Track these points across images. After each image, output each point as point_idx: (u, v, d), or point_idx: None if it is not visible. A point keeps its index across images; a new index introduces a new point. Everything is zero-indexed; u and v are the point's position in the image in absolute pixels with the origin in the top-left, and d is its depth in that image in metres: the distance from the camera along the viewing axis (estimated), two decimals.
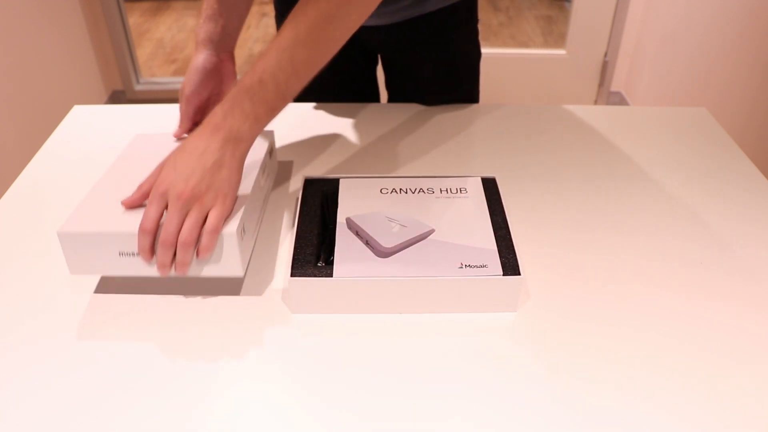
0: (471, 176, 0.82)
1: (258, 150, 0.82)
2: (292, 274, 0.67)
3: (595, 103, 2.71)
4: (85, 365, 0.63)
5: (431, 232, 0.72)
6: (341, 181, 0.81)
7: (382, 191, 0.79)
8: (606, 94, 2.67)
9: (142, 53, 3.15)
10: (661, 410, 0.59)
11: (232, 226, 0.66)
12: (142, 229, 0.64)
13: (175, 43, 3.26)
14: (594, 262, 0.76)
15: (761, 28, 1.66)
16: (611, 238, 0.79)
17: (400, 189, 0.79)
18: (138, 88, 2.73)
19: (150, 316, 0.68)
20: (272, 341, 0.66)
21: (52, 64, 2.23)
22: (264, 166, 0.80)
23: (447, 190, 0.79)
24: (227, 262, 0.68)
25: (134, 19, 3.50)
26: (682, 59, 2.12)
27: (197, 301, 0.70)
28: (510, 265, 0.68)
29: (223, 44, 0.87)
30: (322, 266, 0.68)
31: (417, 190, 0.79)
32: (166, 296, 0.71)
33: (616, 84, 2.66)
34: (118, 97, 2.72)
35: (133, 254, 0.66)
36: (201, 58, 0.85)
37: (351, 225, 0.73)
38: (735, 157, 0.96)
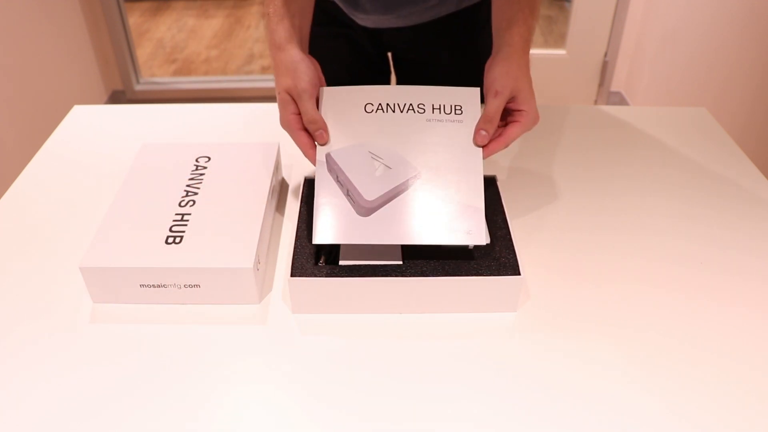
0: (468, 89, 0.74)
1: (265, 170, 0.81)
2: (292, 274, 0.67)
3: (595, 103, 2.71)
4: (86, 366, 0.63)
5: (416, 177, 0.68)
6: (324, 91, 0.73)
7: (368, 109, 0.72)
8: (606, 94, 2.67)
9: (142, 53, 3.15)
10: (662, 410, 0.59)
11: (248, 261, 0.67)
12: None
13: (175, 43, 3.26)
14: (594, 262, 0.76)
15: (761, 28, 1.66)
16: (611, 238, 0.79)
17: (388, 106, 0.72)
18: (138, 88, 2.73)
19: (151, 317, 0.68)
20: (272, 341, 0.66)
21: (52, 64, 2.23)
22: (272, 187, 0.80)
23: (440, 109, 0.71)
24: (244, 293, 0.69)
25: (134, 19, 3.50)
26: (682, 59, 2.12)
27: (197, 301, 0.70)
28: (510, 265, 0.68)
29: (303, 43, 0.79)
30: (323, 266, 0.68)
31: (406, 108, 0.71)
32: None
33: (616, 84, 2.66)
34: (118, 97, 2.72)
35: (154, 286, 0.68)
36: (295, 52, 0.76)
37: (331, 166, 0.68)
38: (735, 157, 0.96)
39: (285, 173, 0.92)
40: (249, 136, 1.00)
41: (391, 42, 1.05)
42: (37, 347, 0.65)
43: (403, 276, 0.66)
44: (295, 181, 0.90)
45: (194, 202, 0.75)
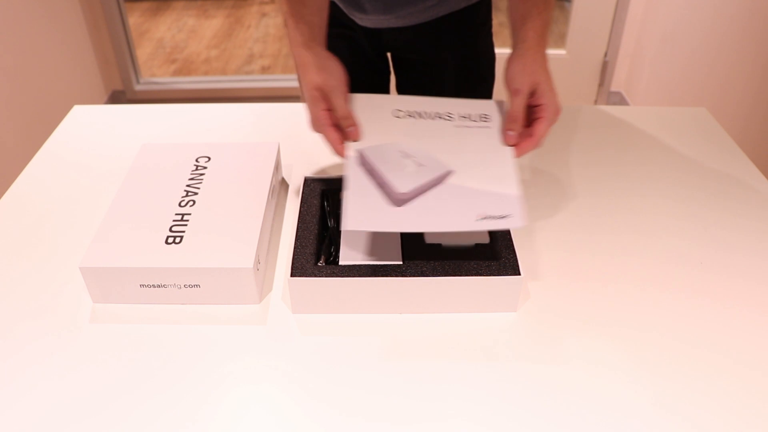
0: (494, 101, 0.74)
1: (265, 170, 0.81)
2: (292, 274, 0.67)
3: (595, 103, 2.71)
4: (86, 366, 0.63)
5: (449, 174, 0.67)
6: (353, 97, 0.73)
7: (396, 115, 0.72)
8: (606, 94, 2.67)
9: (142, 53, 3.15)
10: (662, 410, 0.59)
11: (248, 261, 0.67)
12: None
13: (175, 43, 3.26)
14: (594, 262, 0.76)
15: (761, 28, 1.66)
16: (611, 238, 0.79)
17: (416, 113, 0.72)
18: (138, 88, 2.73)
19: (151, 317, 0.68)
20: (272, 341, 0.66)
21: (52, 64, 2.23)
22: (272, 187, 0.80)
23: (467, 117, 0.72)
24: (244, 293, 0.69)
25: (134, 19, 3.50)
26: (682, 59, 2.12)
27: (197, 301, 0.70)
28: (510, 265, 0.68)
29: (324, 41, 0.79)
30: (323, 266, 0.68)
31: (434, 116, 0.72)
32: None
33: (616, 84, 2.66)
34: (118, 97, 2.72)
35: (154, 286, 0.68)
36: (321, 50, 0.76)
37: (363, 161, 0.67)
38: (735, 157, 0.96)
39: (285, 173, 0.92)
40: (249, 136, 1.00)
41: (391, 42, 1.05)
42: (37, 347, 0.65)
43: (403, 276, 0.66)
44: (295, 181, 0.90)
45: (194, 202, 0.75)
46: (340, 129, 0.72)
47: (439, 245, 0.71)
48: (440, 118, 0.72)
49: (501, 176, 0.67)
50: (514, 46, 0.76)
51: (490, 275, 0.67)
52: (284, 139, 0.98)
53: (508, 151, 0.69)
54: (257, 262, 0.69)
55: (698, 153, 0.97)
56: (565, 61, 2.60)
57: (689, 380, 0.61)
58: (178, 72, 3.01)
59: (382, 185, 0.65)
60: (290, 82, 2.78)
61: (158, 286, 0.68)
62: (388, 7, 0.95)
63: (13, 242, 0.79)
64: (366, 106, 0.72)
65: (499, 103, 0.74)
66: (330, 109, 0.72)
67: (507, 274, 0.67)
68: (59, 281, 0.73)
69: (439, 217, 0.63)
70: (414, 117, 0.71)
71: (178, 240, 0.69)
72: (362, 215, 0.63)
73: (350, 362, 0.63)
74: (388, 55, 1.14)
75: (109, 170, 0.91)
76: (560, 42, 2.69)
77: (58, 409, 0.59)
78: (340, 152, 0.71)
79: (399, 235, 0.72)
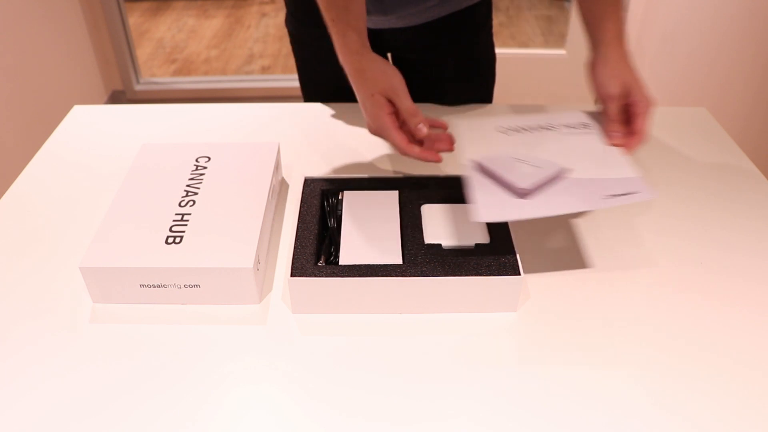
0: (588, 112, 0.77)
1: (265, 170, 0.81)
2: (292, 274, 0.67)
3: (595, 103, 2.70)
4: (86, 366, 0.63)
5: (566, 170, 0.68)
6: (456, 124, 0.75)
7: (502, 131, 0.74)
8: None
9: (142, 53, 3.15)
10: (662, 410, 0.59)
11: (248, 261, 0.67)
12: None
13: (175, 43, 3.26)
14: (594, 262, 0.75)
15: (761, 28, 1.66)
16: (611, 238, 0.79)
17: (519, 127, 0.74)
18: (138, 88, 2.73)
19: (151, 317, 0.68)
20: (272, 341, 0.66)
21: (52, 64, 2.23)
22: (272, 187, 0.80)
23: (568, 126, 0.75)
24: (244, 293, 0.69)
25: (134, 19, 3.50)
26: (682, 59, 2.12)
27: (197, 301, 0.70)
28: (510, 265, 0.68)
29: (370, 48, 0.80)
30: (323, 266, 0.68)
31: (537, 128, 0.74)
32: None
33: None
34: (118, 97, 2.72)
35: (154, 286, 0.68)
36: (376, 56, 0.77)
37: (482, 168, 0.68)
38: (735, 157, 0.96)
39: (285, 173, 0.92)
40: (249, 136, 1.00)
41: (391, 42, 1.05)
42: (37, 347, 0.65)
43: (403, 276, 0.66)
44: (295, 181, 0.90)
45: (194, 202, 0.75)
46: (404, 130, 0.75)
47: (439, 245, 0.71)
48: (544, 129, 0.74)
49: (616, 167, 0.69)
50: (594, 49, 0.79)
51: (490, 275, 0.67)
52: (284, 139, 0.98)
53: (617, 150, 0.72)
54: (257, 262, 0.69)
55: (698, 153, 0.97)
56: (565, 61, 2.60)
57: (689, 380, 0.61)
58: (178, 72, 3.01)
59: (503, 185, 0.67)
60: (290, 82, 2.78)
61: (158, 286, 0.68)
62: (389, 7, 0.95)
63: (13, 242, 0.79)
64: (469, 128, 0.75)
65: (593, 113, 0.78)
66: (394, 113, 0.75)
67: (507, 274, 0.67)
68: (59, 281, 0.73)
69: (566, 200, 0.64)
70: (519, 132, 0.74)
71: (178, 240, 0.69)
72: (492, 207, 0.64)
73: (350, 362, 0.63)
74: (389, 55, 1.14)
75: (109, 170, 0.91)
76: (560, 42, 2.69)
77: (58, 409, 0.59)
78: (410, 152, 0.74)
79: (399, 235, 0.72)
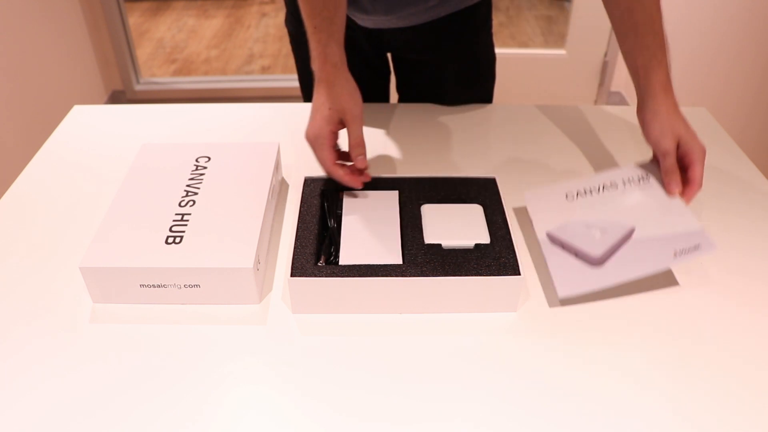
0: (642, 164, 0.80)
1: (265, 170, 0.81)
2: (292, 274, 0.67)
3: (595, 103, 2.71)
4: (86, 366, 0.63)
5: (633, 230, 0.72)
6: (528, 197, 0.80)
7: (569, 197, 0.78)
8: (606, 94, 2.67)
9: (142, 53, 3.15)
10: (663, 410, 0.59)
11: (248, 261, 0.67)
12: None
13: (175, 43, 3.26)
14: None
15: (761, 28, 1.66)
16: None
17: (585, 191, 0.78)
18: (138, 88, 2.73)
19: (151, 317, 0.68)
20: (272, 341, 0.66)
21: (52, 64, 2.23)
22: (272, 187, 0.80)
23: (629, 182, 0.78)
24: (244, 293, 0.69)
25: (134, 19, 3.50)
26: (682, 59, 2.12)
27: (197, 301, 0.70)
28: (510, 265, 0.68)
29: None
30: (323, 266, 0.68)
31: (601, 188, 0.78)
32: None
33: (616, 84, 2.66)
34: (118, 97, 2.72)
35: (154, 286, 0.68)
36: (350, 76, 0.80)
37: (554, 239, 0.73)
38: (735, 157, 0.96)
39: (285, 173, 0.92)
40: (249, 136, 1.00)
41: (391, 42, 1.05)
42: (37, 347, 0.65)
43: (403, 276, 0.66)
44: (295, 181, 0.90)
45: (194, 202, 0.75)
46: (338, 152, 0.79)
47: (439, 245, 0.71)
48: (606, 188, 0.78)
49: (679, 217, 0.72)
50: (642, 99, 0.82)
51: (490, 275, 0.67)
52: (284, 139, 0.98)
53: (677, 200, 0.75)
54: (257, 262, 0.69)
55: None
56: (565, 61, 2.60)
57: (689, 380, 0.61)
58: (178, 72, 3.01)
59: (577, 255, 0.70)
60: (290, 82, 2.78)
61: (158, 286, 0.68)
62: (389, 7, 0.95)
63: (13, 242, 0.79)
64: (540, 199, 0.79)
65: (647, 164, 0.80)
66: (335, 132, 0.78)
67: (507, 274, 0.67)
68: (59, 281, 0.73)
69: (639, 263, 0.68)
70: (583, 195, 0.77)
71: (178, 240, 0.69)
72: (572, 280, 0.68)
73: (350, 362, 0.63)
74: (389, 55, 1.14)
75: (109, 170, 0.91)
76: (560, 42, 2.69)
77: (58, 409, 0.59)
78: (335, 171, 0.77)
79: (399, 235, 0.72)
